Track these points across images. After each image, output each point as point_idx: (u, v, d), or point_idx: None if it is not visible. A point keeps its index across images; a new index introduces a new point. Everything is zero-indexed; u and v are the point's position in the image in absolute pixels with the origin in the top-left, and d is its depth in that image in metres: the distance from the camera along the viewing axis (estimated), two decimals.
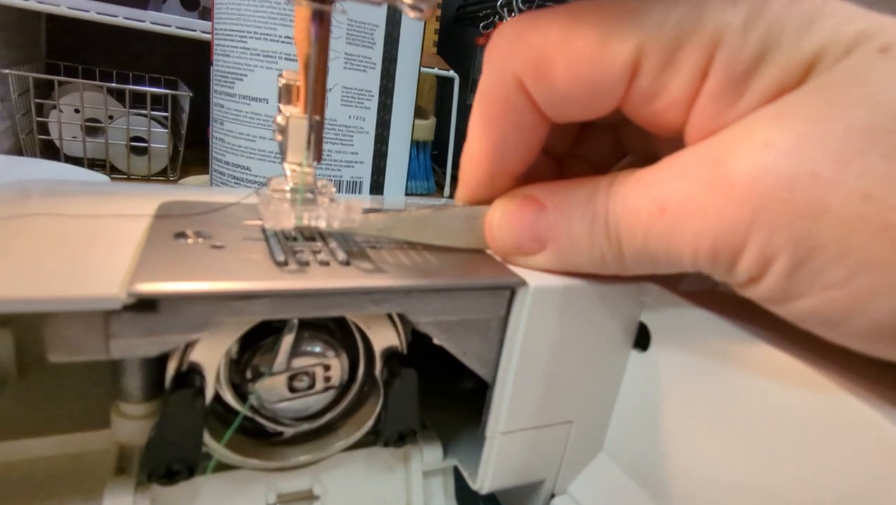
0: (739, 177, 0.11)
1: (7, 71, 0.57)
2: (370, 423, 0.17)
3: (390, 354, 0.17)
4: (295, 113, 0.15)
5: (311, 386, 0.16)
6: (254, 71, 0.39)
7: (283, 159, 0.15)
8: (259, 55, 0.38)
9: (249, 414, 0.16)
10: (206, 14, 0.75)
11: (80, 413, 0.17)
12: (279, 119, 0.15)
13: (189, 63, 0.76)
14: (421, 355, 0.17)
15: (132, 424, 0.15)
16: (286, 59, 0.38)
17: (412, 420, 0.17)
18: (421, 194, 0.76)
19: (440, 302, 0.14)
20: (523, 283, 0.15)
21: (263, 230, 0.16)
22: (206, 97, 0.67)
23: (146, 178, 0.68)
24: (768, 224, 0.11)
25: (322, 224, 0.14)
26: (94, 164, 0.66)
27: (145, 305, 0.11)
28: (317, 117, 0.15)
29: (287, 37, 0.37)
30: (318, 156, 0.15)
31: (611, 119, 0.15)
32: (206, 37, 0.65)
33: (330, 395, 0.16)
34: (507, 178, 0.16)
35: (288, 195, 0.15)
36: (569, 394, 0.17)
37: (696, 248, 0.12)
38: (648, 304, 0.17)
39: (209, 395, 0.14)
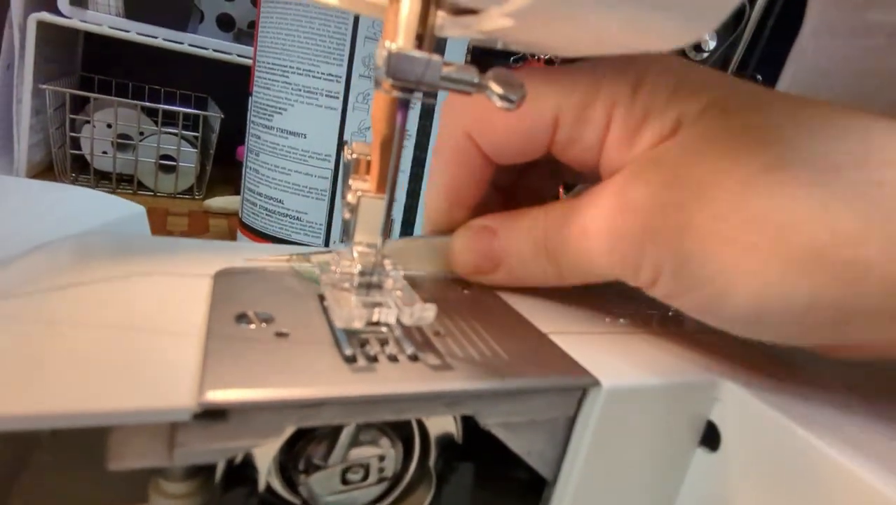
0: (632, 204, 0.15)
1: (45, 86, 0.58)
2: None
3: (446, 444, 0.16)
4: (366, 190, 0.14)
5: (365, 477, 0.15)
6: (294, 106, 0.38)
7: (349, 238, 0.15)
8: (300, 90, 0.38)
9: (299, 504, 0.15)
10: (241, 36, 0.75)
11: (114, 485, 0.16)
12: (349, 196, 0.15)
13: (220, 83, 0.77)
14: (473, 439, 0.16)
15: (171, 503, 0.14)
16: (327, 95, 0.38)
17: None
18: None
19: (510, 403, 0.14)
20: (596, 383, 0.14)
21: (322, 301, 0.15)
22: (235, 117, 0.67)
23: (172, 196, 0.68)
24: (655, 241, 0.14)
25: (392, 320, 0.13)
26: (122, 180, 0.67)
27: (214, 414, 0.10)
28: (391, 199, 0.14)
29: (330, 74, 0.37)
30: (387, 235, 0.15)
31: (545, 158, 0.18)
32: (241, 60, 0.65)
33: (382, 486, 0.15)
34: (463, 210, 0.19)
35: (356, 279, 0.14)
36: (630, 493, 0.16)
37: (611, 262, 0.15)
38: (721, 401, 0.16)
39: (261, 487, 0.14)
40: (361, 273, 0.14)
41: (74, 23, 0.56)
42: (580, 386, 0.14)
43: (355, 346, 0.13)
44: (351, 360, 0.13)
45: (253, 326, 0.13)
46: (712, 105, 0.14)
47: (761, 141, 0.13)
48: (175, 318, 0.13)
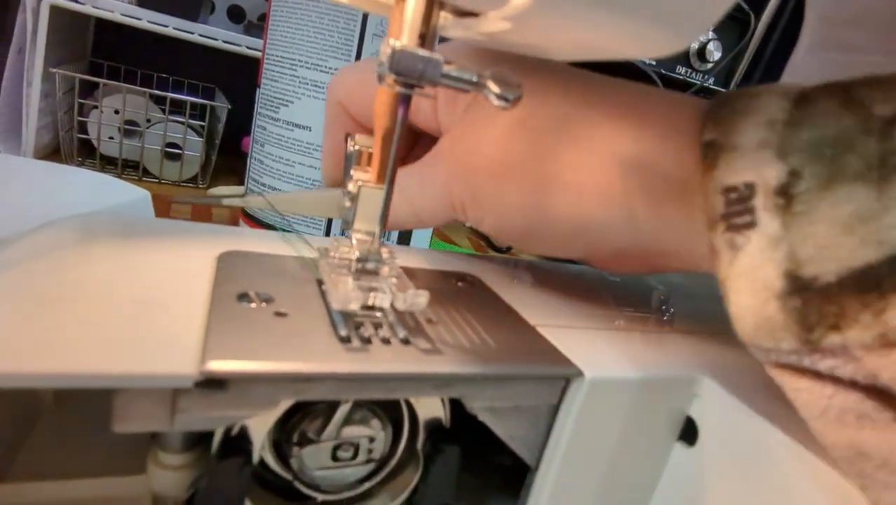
0: (442, 155, 0.19)
1: (55, 70, 0.58)
2: (406, 494, 0.17)
3: (434, 428, 0.16)
4: (367, 181, 0.15)
5: (355, 456, 0.15)
6: (300, 99, 0.39)
7: (349, 226, 0.15)
8: (307, 84, 0.39)
9: (289, 478, 0.15)
10: (251, 28, 0.76)
11: (114, 455, 0.17)
12: (350, 186, 0.15)
13: (228, 73, 0.78)
14: (460, 424, 0.17)
15: (169, 474, 0.15)
16: None
17: (449, 495, 0.17)
18: None
19: (496, 389, 0.14)
20: (580, 373, 0.15)
21: (321, 285, 0.16)
22: (242, 108, 0.68)
23: (176, 184, 0.68)
24: (458, 182, 0.19)
25: (386, 304, 0.14)
26: (127, 166, 0.67)
27: (214, 383, 0.11)
28: (390, 189, 0.15)
29: (337, 69, 0.38)
30: (385, 225, 0.15)
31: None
32: (250, 52, 0.66)
33: (370, 466, 0.16)
34: None
35: (353, 265, 0.15)
36: (609, 483, 0.17)
37: (443, 204, 0.19)
38: (700, 397, 0.17)
39: (255, 459, 0.14)
40: (359, 259, 0.15)
41: (87, 9, 0.57)
42: (564, 375, 0.15)
43: (350, 327, 0.14)
44: (346, 340, 0.13)
45: (253, 305, 0.14)
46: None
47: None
48: (179, 294, 0.14)
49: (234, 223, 0.55)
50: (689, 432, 0.17)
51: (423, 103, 0.20)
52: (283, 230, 0.20)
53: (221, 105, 0.68)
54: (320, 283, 0.16)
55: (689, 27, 0.11)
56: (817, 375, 0.13)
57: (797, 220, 0.13)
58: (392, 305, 0.14)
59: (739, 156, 0.14)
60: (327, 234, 0.40)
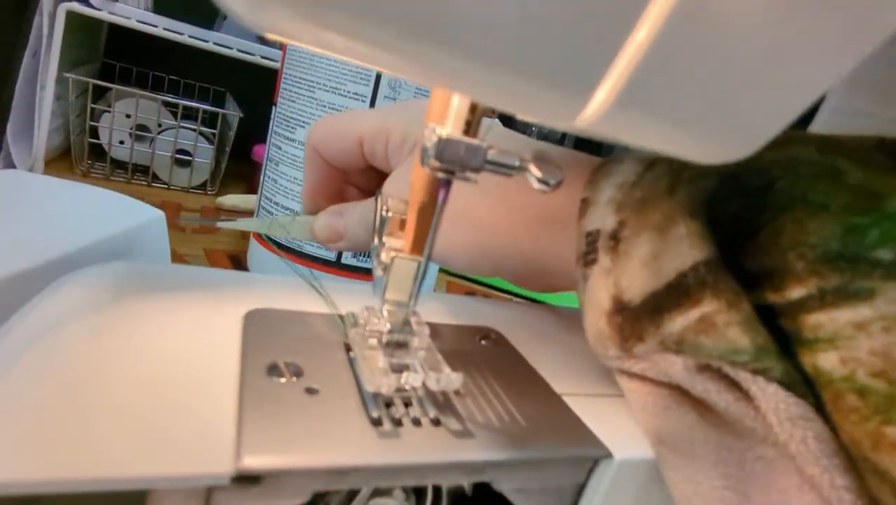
0: (388, 186, 0.24)
1: (69, 75, 0.58)
2: None
3: (457, 497, 0.16)
4: (400, 249, 0.15)
5: None
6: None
7: (381, 295, 0.15)
8: (325, 106, 0.39)
9: None
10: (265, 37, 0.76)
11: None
12: (383, 255, 0.15)
13: (240, 80, 0.77)
14: (481, 493, 0.16)
15: None
16: None
17: None
18: None
19: (527, 472, 0.14)
20: (609, 455, 0.15)
21: (348, 351, 0.16)
22: (253, 116, 0.68)
23: (185, 190, 0.68)
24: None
25: (418, 384, 0.14)
26: (137, 170, 0.67)
27: (249, 479, 0.11)
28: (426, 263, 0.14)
29: (356, 93, 0.38)
30: (417, 297, 0.15)
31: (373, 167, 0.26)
32: (264, 62, 0.66)
33: None
34: (323, 201, 0.27)
35: (384, 336, 0.15)
36: None
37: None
38: None
39: None
40: (390, 331, 0.15)
41: (104, 15, 0.56)
42: (593, 457, 0.15)
43: (381, 407, 0.14)
44: (377, 423, 0.13)
45: (283, 380, 0.14)
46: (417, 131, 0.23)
47: None
48: (209, 369, 0.14)
49: (244, 238, 0.54)
50: None
51: (377, 148, 0.24)
52: (295, 251, 0.21)
53: (233, 113, 0.68)
54: (348, 348, 0.16)
55: (741, 146, 0.10)
56: (641, 377, 0.17)
57: (620, 257, 0.17)
58: (423, 384, 0.14)
59: (594, 209, 0.18)
60: (338, 258, 0.40)
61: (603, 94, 0.09)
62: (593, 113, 0.09)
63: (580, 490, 0.15)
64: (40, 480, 0.09)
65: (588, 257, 0.18)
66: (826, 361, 0.14)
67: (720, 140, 0.10)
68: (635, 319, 0.16)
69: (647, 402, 0.17)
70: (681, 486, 0.15)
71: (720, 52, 0.09)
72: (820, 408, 0.14)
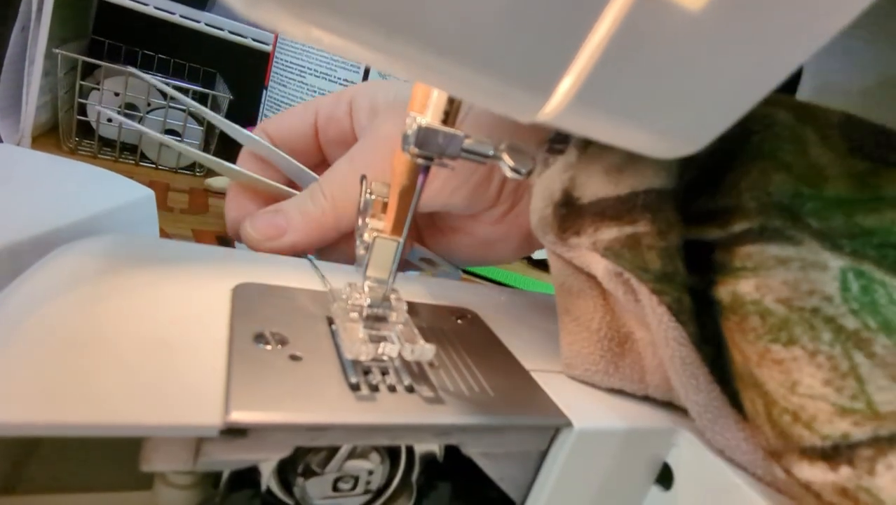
0: (350, 156, 0.25)
1: (58, 51, 0.58)
2: None
3: (429, 462, 0.17)
4: (381, 230, 0.16)
5: (354, 487, 0.16)
6: None
7: (363, 272, 0.16)
8: (315, 91, 0.39)
9: None
10: None
11: (121, 470, 0.17)
12: (366, 235, 0.16)
13: (231, 61, 0.77)
14: (453, 458, 0.18)
15: (176, 492, 0.16)
16: None
17: None
18: None
19: (493, 437, 0.15)
20: (569, 424, 0.16)
21: (331, 323, 0.17)
22: (243, 97, 0.68)
23: (174, 170, 0.68)
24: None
25: (394, 354, 0.15)
26: (125, 149, 0.67)
27: (236, 431, 0.12)
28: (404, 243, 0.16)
29: (345, 80, 0.38)
30: (395, 274, 0.16)
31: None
32: (255, 44, 0.66)
33: (366, 497, 0.17)
34: (251, 203, 0.28)
35: (364, 311, 0.16)
36: None
37: (355, 191, 0.20)
38: (677, 446, 0.18)
39: (263, 489, 0.15)
40: (370, 305, 0.16)
41: None
42: (554, 425, 0.16)
43: (359, 374, 0.15)
44: (355, 387, 0.14)
45: (269, 347, 0.15)
46: (385, 105, 0.25)
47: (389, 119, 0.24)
48: (200, 333, 0.15)
49: None
50: (665, 477, 0.18)
51: (340, 115, 0.26)
52: None
53: (223, 95, 0.68)
54: (330, 320, 0.17)
55: (700, 134, 0.12)
56: (566, 260, 0.19)
57: (587, 158, 0.19)
58: (399, 355, 0.15)
59: None
60: None
61: (563, 92, 0.10)
62: (554, 109, 0.10)
63: (543, 456, 0.17)
64: (43, 422, 0.10)
65: (555, 146, 0.20)
66: (744, 286, 0.16)
67: (672, 135, 0.11)
68: (577, 215, 0.18)
69: (566, 282, 0.20)
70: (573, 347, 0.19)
71: (672, 54, 0.10)
72: (705, 339, 0.17)
